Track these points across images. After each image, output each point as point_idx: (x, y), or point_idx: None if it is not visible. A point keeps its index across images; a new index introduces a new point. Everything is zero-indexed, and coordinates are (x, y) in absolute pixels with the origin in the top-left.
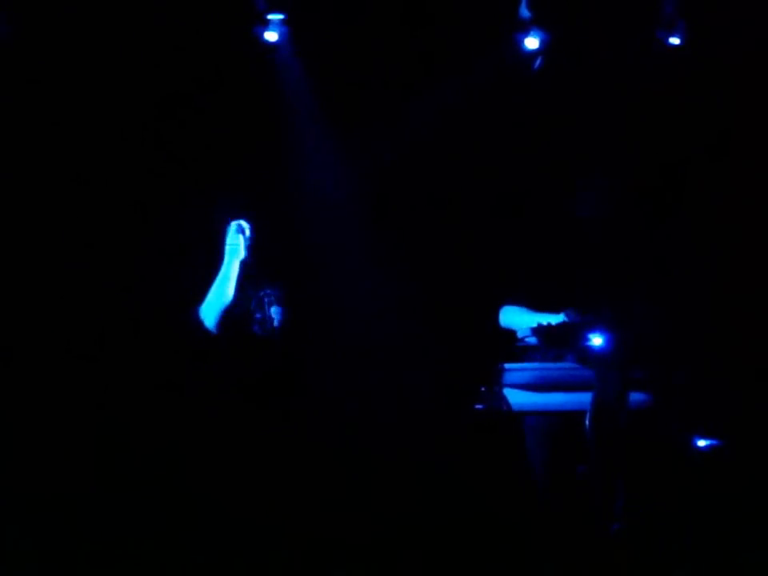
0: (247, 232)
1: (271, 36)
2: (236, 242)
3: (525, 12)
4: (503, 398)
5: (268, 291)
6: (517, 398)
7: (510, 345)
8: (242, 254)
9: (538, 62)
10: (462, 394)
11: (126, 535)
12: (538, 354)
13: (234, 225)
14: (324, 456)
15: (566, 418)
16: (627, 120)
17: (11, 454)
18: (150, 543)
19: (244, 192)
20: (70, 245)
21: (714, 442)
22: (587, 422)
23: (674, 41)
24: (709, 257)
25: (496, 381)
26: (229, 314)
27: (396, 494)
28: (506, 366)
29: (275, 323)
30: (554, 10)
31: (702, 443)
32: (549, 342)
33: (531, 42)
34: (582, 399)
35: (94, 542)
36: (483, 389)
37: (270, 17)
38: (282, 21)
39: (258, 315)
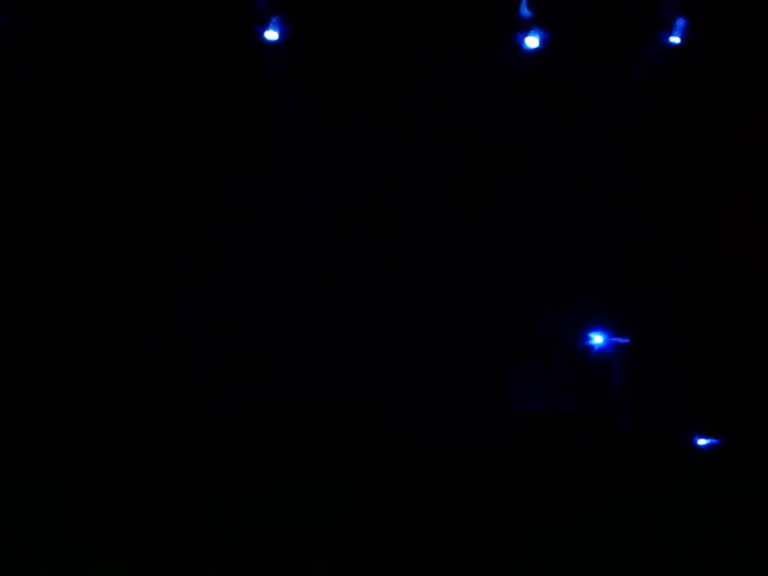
0: None
1: (271, 35)
2: None
3: (525, 11)
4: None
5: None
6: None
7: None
8: None
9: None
10: (468, 392)
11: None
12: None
13: None
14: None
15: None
16: (626, 118)
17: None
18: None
19: (239, 191)
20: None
21: (714, 441)
22: (586, 422)
23: (674, 40)
24: (709, 256)
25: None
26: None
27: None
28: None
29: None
30: (554, 10)
31: (701, 443)
32: None
33: (531, 42)
34: (581, 399)
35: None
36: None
37: (269, 16)
38: (281, 19)
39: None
